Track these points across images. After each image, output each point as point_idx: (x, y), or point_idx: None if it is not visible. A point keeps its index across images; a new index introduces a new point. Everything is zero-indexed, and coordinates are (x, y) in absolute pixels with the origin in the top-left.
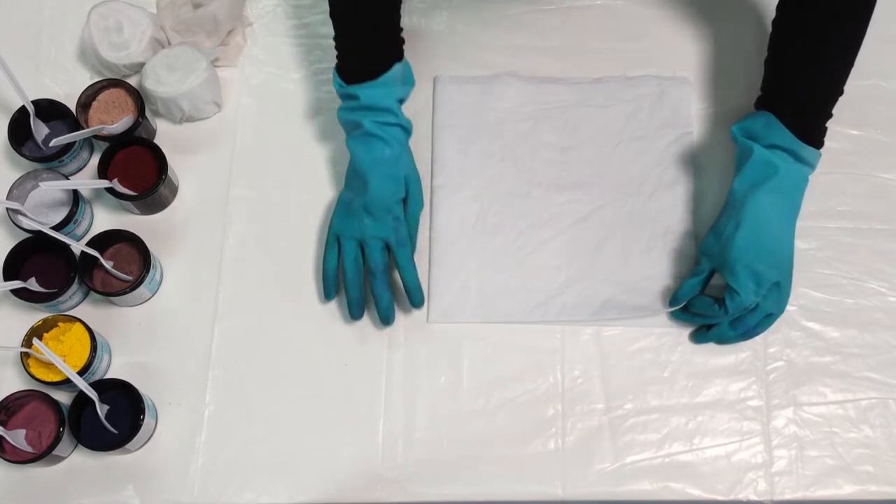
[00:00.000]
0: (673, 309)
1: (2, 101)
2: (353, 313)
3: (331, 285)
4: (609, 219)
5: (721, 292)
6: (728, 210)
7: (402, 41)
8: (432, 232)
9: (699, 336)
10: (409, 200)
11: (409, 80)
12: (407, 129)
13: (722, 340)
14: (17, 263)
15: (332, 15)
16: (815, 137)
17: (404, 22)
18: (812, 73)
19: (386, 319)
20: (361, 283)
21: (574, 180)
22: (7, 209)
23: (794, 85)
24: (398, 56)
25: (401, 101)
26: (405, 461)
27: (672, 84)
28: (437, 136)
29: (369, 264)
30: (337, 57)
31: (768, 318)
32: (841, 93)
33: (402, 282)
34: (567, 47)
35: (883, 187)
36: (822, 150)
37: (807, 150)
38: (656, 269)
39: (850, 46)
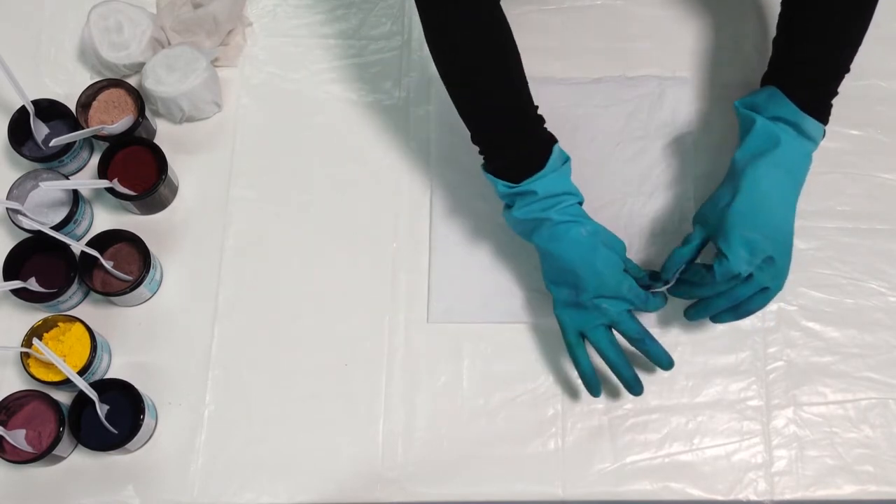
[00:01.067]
0: (662, 288)
1: (2, 101)
2: (637, 390)
3: (595, 382)
4: (609, 219)
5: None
6: (727, 180)
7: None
8: (432, 232)
9: (693, 313)
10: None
11: (564, 156)
12: (581, 198)
13: (715, 315)
14: (17, 263)
15: (468, 113)
16: (819, 110)
17: (404, 23)
18: (819, 47)
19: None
20: (628, 360)
21: (574, 180)
22: (7, 209)
23: (801, 58)
24: (552, 136)
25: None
26: (405, 461)
27: (672, 84)
28: (437, 136)
29: (631, 335)
30: (484, 157)
31: (764, 294)
32: (847, 70)
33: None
34: (567, 47)
35: (883, 187)
36: (825, 132)
37: (809, 123)
38: (655, 268)
39: (859, 23)
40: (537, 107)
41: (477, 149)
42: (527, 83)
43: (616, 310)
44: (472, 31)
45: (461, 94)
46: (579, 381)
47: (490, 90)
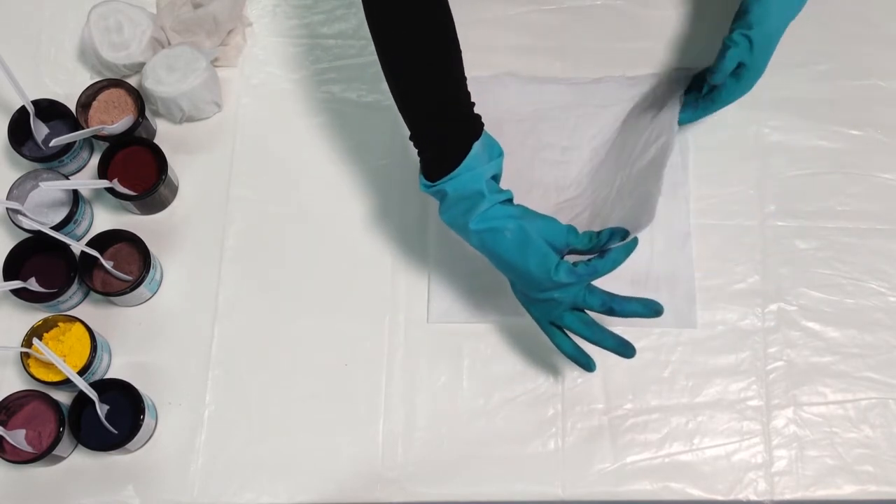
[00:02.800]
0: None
1: (2, 101)
2: (628, 353)
3: (585, 359)
4: (609, 218)
5: None
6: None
7: (476, 115)
8: (432, 232)
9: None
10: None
11: (494, 152)
12: (510, 197)
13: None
14: (17, 263)
15: (398, 103)
16: None
17: None
18: None
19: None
20: (606, 331)
21: (574, 180)
22: (7, 209)
23: None
24: (478, 130)
25: (495, 178)
26: (405, 461)
27: (672, 83)
28: None
29: (597, 309)
30: (417, 152)
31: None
32: None
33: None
34: (567, 47)
35: (883, 187)
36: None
37: None
38: (654, 268)
39: None
40: (473, 104)
41: None
42: (460, 74)
43: (568, 295)
44: (402, 12)
45: (393, 81)
46: (580, 381)
47: (413, 76)
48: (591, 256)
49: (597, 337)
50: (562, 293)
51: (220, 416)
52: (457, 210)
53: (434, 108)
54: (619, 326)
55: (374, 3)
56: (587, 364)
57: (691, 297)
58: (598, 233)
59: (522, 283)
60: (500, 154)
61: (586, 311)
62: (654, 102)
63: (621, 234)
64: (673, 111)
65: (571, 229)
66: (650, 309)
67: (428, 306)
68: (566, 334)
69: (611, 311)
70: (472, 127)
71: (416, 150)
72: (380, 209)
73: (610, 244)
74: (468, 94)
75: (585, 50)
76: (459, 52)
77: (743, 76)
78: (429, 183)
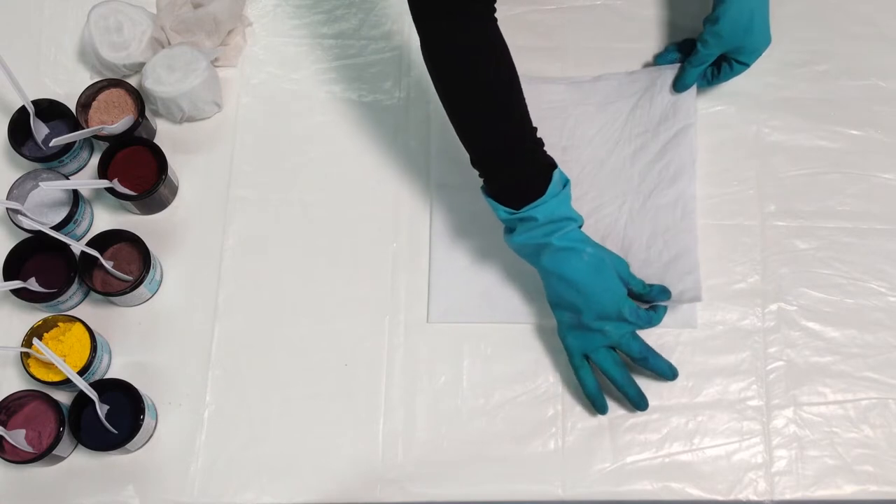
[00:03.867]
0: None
1: (2, 101)
2: (642, 406)
3: (602, 402)
4: (609, 217)
5: None
6: None
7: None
8: (432, 232)
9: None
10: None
11: (564, 178)
12: (581, 222)
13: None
14: (17, 263)
15: (467, 138)
16: None
17: (404, 23)
18: None
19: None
20: (632, 379)
21: (574, 180)
22: (7, 209)
23: None
24: (552, 160)
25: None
26: (405, 461)
27: (672, 74)
28: (437, 136)
29: (634, 356)
30: (484, 180)
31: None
32: None
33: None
34: (567, 47)
35: (883, 187)
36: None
37: None
38: (657, 266)
39: None
40: (536, 128)
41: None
42: (526, 106)
43: (618, 332)
44: (470, 52)
45: (460, 118)
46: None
47: (490, 116)
48: (644, 305)
49: (624, 381)
50: (614, 328)
51: (220, 416)
52: (539, 233)
53: (513, 139)
54: None
55: (441, 67)
56: (603, 407)
57: None
58: (652, 285)
59: (584, 307)
60: (569, 181)
61: (619, 353)
62: (657, 98)
63: (668, 294)
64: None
65: (630, 272)
66: (671, 374)
67: (428, 306)
68: (592, 373)
69: (643, 362)
70: (547, 154)
71: (486, 179)
72: (380, 209)
73: (657, 299)
74: (532, 124)
75: (585, 50)
76: (517, 75)
77: (741, 57)
78: (513, 210)
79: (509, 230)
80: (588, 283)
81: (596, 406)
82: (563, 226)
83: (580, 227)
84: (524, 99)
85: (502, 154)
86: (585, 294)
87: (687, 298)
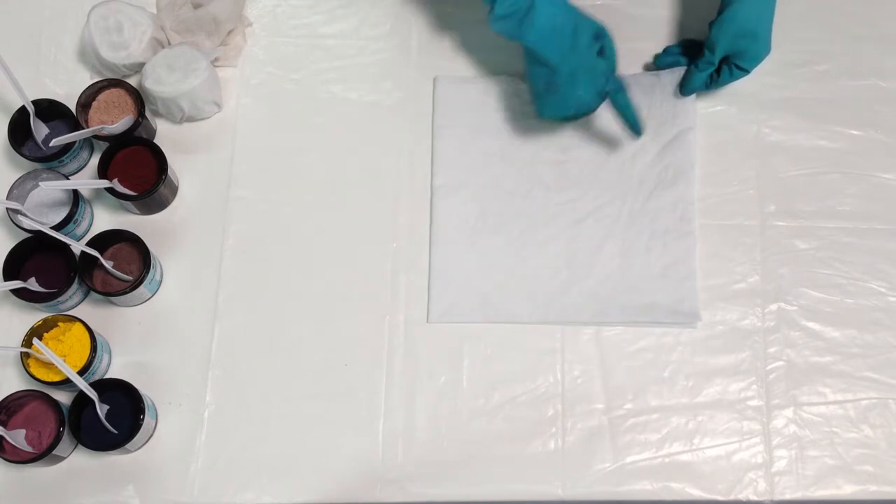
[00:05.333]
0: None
1: (2, 101)
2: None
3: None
4: (609, 219)
5: None
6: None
7: None
8: (432, 232)
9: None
10: (606, 49)
11: None
12: None
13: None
14: (17, 263)
15: None
16: None
17: (404, 23)
18: None
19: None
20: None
21: (574, 180)
22: (7, 209)
23: None
24: None
25: None
26: (405, 461)
27: (672, 82)
28: (438, 136)
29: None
30: None
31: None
32: None
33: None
34: None
35: (883, 187)
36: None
37: None
38: (656, 268)
39: None
40: None
41: (477, 147)
42: None
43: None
44: None
45: None
46: (579, 382)
47: None
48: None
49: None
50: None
51: (220, 416)
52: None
53: None
54: (618, 327)
55: None
56: (638, 128)
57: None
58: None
59: (568, 62)
60: None
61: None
62: (657, 100)
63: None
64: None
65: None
66: (639, 129)
67: (428, 306)
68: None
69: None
70: None
71: None
72: (380, 209)
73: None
74: None
75: None
76: None
77: (743, 63)
78: None
79: (491, 10)
80: (566, 29)
81: (634, 127)
82: None
83: None
84: None
85: None
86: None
87: (685, 306)
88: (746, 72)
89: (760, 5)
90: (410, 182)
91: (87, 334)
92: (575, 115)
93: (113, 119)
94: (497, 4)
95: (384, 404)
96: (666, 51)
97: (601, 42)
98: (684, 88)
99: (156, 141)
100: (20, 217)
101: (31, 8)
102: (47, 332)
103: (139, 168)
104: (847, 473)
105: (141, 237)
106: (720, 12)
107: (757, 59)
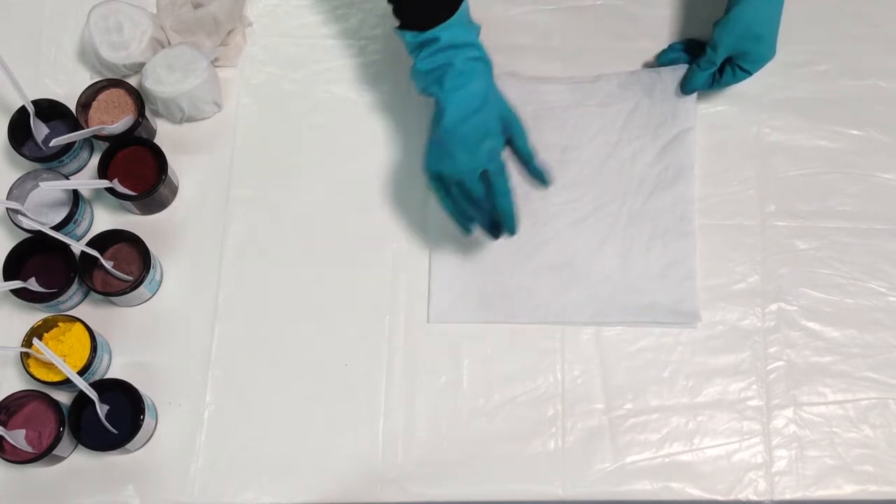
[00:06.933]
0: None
1: (2, 101)
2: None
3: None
4: (609, 219)
5: None
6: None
7: None
8: (432, 232)
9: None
10: (515, 136)
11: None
12: (490, 65)
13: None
14: (17, 263)
15: None
16: None
17: None
18: None
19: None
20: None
21: (574, 180)
22: (7, 209)
23: None
24: None
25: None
26: (405, 461)
27: (673, 76)
28: None
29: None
30: (396, 11)
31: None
32: None
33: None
34: (567, 47)
35: (883, 187)
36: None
37: None
38: (656, 268)
39: None
40: None
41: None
42: None
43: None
44: None
45: None
46: (579, 382)
47: None
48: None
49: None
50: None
51: (220, 416)
52: (441, 56)
53: None
54: (618, 327)
55: None
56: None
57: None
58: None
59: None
60: (478, 27)
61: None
62: (657, 99)
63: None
64: (684, 109)
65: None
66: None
67: (428, 306)
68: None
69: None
70: None
71: (396, 3)
72: (380, 209)
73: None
74: None
75: (585, 50)
76: None
77: (746, 64)
78: (418, 32)
79: (414, 64)
80: (479, 107)
81: (508, 222)
82: (469, 51)
83: (483, 62)
84: None
85: None
86: (480, 111)
87: (685, 306)
88: (749, 73)
89: (768, 7)
90: (410, 182)
91: (87, 334)
92: (450, 174)
93: (113, 119)
94: (418, 60)
95: (384, 404)
96: (670, 47)
97: (508, 130)
98: (686, 87)
99: (156, 141)
100: (20, 217)
101: (31, 8)
102: (47, 332)
103: (139, 168)
104: (847, 473)
105: (141, 237)
106: (727, 11)
107: (761, 61)
